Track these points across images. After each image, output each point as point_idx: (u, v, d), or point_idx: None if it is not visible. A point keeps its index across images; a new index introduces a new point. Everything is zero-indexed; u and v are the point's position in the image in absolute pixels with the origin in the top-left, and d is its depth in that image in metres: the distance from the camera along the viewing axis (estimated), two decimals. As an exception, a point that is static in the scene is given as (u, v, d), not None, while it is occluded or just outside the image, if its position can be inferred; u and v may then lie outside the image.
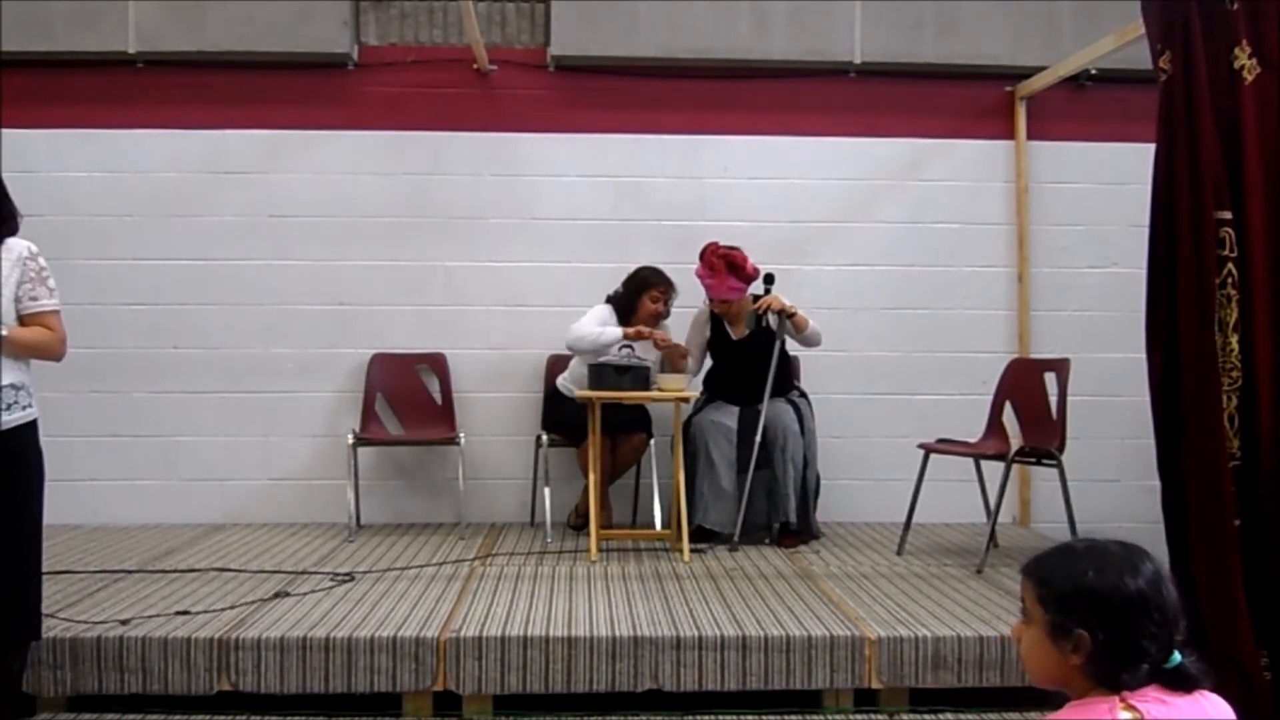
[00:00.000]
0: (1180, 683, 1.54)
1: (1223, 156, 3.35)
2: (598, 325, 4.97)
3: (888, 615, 3.67)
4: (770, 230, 5.52)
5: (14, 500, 2.95)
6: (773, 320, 5.01)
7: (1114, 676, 1.54)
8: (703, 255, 4.98)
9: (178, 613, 3.60)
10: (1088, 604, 1.53)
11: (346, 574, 4.22)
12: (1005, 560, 4.62)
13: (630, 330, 4.94)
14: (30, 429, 3.01)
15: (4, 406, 2.90)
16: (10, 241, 2.99)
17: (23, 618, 3.02)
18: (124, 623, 3.44)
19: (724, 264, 4.90)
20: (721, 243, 4.98)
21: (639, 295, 5.12)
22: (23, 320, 2.98)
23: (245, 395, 5.46)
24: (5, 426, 2.90)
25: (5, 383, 2.92)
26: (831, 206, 5.63)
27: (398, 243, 5.51)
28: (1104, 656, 1.53)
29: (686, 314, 5.26)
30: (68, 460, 5.35)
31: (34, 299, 2.99)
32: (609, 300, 5.17)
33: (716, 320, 5.16)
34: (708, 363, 5.21)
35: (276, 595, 3.85)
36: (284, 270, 5.48)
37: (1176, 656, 1.54)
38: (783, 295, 4.97)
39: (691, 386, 5.02)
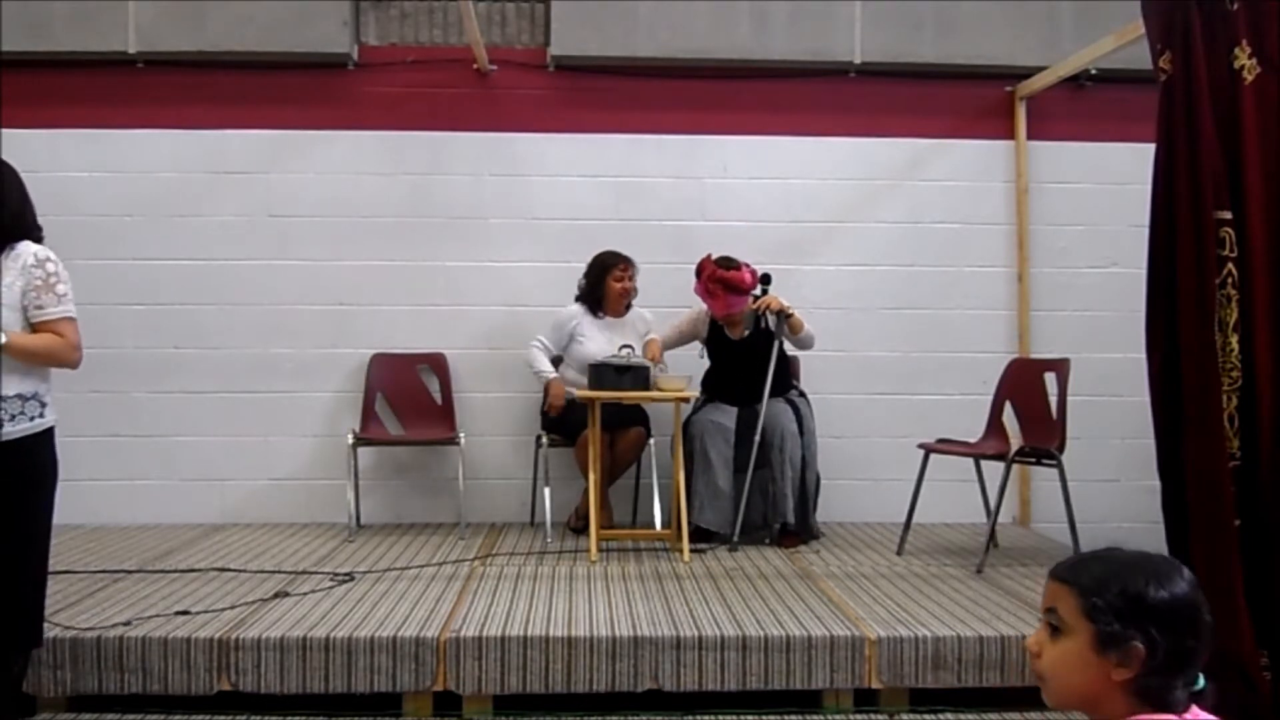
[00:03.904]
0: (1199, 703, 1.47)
1: (1223, 156, 3.36)
2: (543, 352, 5.14)
3: (888, 615, 3.67)
4: (770, 230, 5.52)
5: (20, 509, 2.90)
6: (771, 321, 5.01)
7: (1166, 692, 1.44)
8: (699, 273, 4.99)
9: (178, 613, 3.60)
10: (1150, 614, 1.43)
11: (346, 574, 4.22)
12: (1005, 560, 4.62)
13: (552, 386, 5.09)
14: (39, 439, 2.94)
15: (7, 417, 2.86)
16: (20, 247, 2.93)
17: (24, 624, 2.99)
18: (125, 624, 3.44)
19: (721, 288, 4.91)
20: (713, 254, 4.98)
21: (602, 281, 5.16)
22: (34, 328, 2.93)
23: (245, 395, 5.46)
24: (6, 437, 2.85)
25: (11, 393, 2.86)
26: (831, 206, 5.63)
27: (398, 243, 5.51)
28: (1160, 670, 1.43)
29: (677, 312, 5.30)
30: (68, 460, 5.29)
31: (39, 307, 2.92)
32: (577, 298, 5.21)
33: (714, 325, 5.16)
34: (705, 363, 5.21)
35: (276, 595, 3.85)
36: (284, 270, 5.48)
37: (1202, 680, 1.47)
38: (780, 295, 4.97)
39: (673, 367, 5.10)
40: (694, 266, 5.03)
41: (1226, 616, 3.18)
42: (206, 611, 3.63)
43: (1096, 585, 1.46)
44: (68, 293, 2.98)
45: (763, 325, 5.07)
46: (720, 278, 4.91)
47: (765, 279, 4.99)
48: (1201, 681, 1.47)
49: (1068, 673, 1.48)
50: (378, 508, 5.46)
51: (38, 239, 3.01)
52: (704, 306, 5.13)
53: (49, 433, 3.00)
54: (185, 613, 3.60)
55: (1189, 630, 1.45)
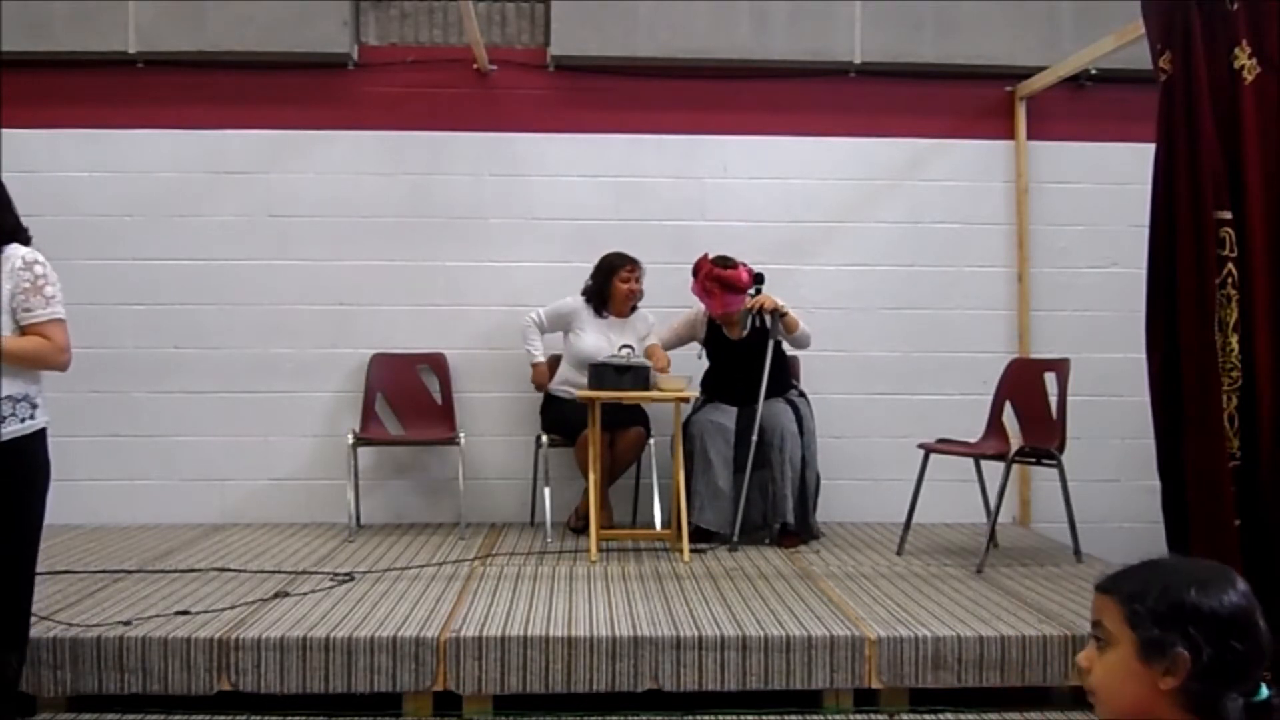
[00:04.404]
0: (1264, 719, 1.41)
1: (1223, 156, 3.36)
2: (537, 328, 5.24)
3: (888, 615, 3.67)
4: (770, 230, 5.52)
5: (12, 509, 2.89)
6: (766, 320, 5.01)
7: (1214, 702, 1.40)
8: (695, 272, 5.00)
9: (177, 613, 3.60)
10: (1191, 618, 1.40)
11: (346, 574, 4.21)
12: (1005, 560, 4.62)
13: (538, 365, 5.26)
14: (30, 441, 2.92)
15: None
16: (8, 250, 2.91)
17: (18, 623, 2.99)
18: (125, 623, 3.44)
19: (719, 287, 4.92)
20: (710, 254, 4.98)
21: (609, 281, 5.18)
22: (23, 331, 2.90)
23: (245, 395, 5.46)
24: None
25: (1, 395, 2.84)
26: (831, 206, 5.63)
27: (398, 243, 5.51)
28: (1206, 677, 1.39)
29: (677, 313, 5.30)
30: (68, 460, 5.28)
31: (28, 310, 2.89)
32: (583, 293, 5.23)
33: (712, 325, 5.16)
34: (705, 364, 5.21)
35: (276, 595, 3.85)
36: (284, 270, 5.48)
37: (1264, 690, 1.41)
38: (777, 295, 4.98)
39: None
40: (689, 288, 5.04)
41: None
42: (207, 611, 3.62)
43: (1137, 592, 1.44)
44: (56, 295, 2.94)
45: (758, 325, 5.06)
46: (717, 276, 4.91)
47: (759, 279, 4.99)
48: (1265, 691, 1.42)
49: (1116, 685, 1.45)
50: (378, 508, 5.46)
51: (25, 240, 2.98)
52: (701, 307, 5.14)
53: (41, 434, 2.97)
54: (185, 613, 3.59)
55: (1236, 635, 1.40)
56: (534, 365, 5.23)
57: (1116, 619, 1.45)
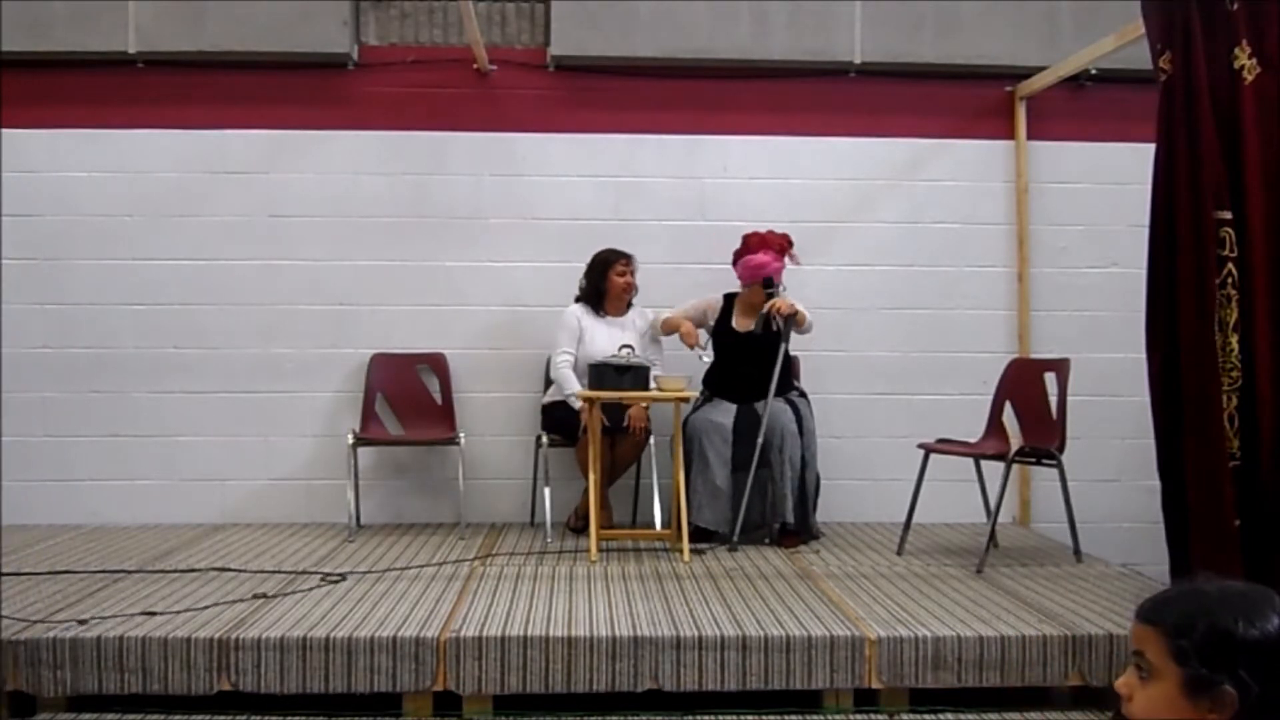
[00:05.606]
0: None
1: (1223, 156, 3.36)
2: (571, 366, 5.05)
3: (888, 615, 3.67)
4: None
5: None
6: (779, 323, 4.99)
7: None
8: (751, 242, 5.02)
9: (144, 613, 3.55)
10: (1239, 655, 1.35)
11: (339, 575, 4.19)
12: (1005, 560, 4.62)
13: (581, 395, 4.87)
14: None
15: None
16: None
17: None
18: (81, 622, 3.41)
19: (774, 244, 4.97)
20: (732, 251, 5.04)
21: (604, 277, 5.17)
22: None
23: (245, 395, 5.46)
24: None
25: None
26: (831, 206, 5.63)
27: (398, 243, 5.51)
28: (1256, 714, 1.35)
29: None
30: (68, 460, 5.36)
31: None
32: (578, 298, 5.22)
33: (723, 314, 5.15)
34: (706, 363, 5.19)
35: (254, 597, 3.81)
36: (284, 270, 5.47)
37: None
38: (785, 295, 4.98)
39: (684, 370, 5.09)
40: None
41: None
42: (213, 605, 3.62)
43: (1182, 625, 1.39)
44: None
45: (774, 329, 5.03)
46: (775, 235, 4.98)
47: (768, 283, 4.98)
48: None
49: (1160, 718, 1.40)
50: (378, 508, 5.46)
51: None
52: (716, 296, 5.14)
53: None
54: (151, 613, 3.56)
55: None
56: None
57: (1160, 653, 1.40)
